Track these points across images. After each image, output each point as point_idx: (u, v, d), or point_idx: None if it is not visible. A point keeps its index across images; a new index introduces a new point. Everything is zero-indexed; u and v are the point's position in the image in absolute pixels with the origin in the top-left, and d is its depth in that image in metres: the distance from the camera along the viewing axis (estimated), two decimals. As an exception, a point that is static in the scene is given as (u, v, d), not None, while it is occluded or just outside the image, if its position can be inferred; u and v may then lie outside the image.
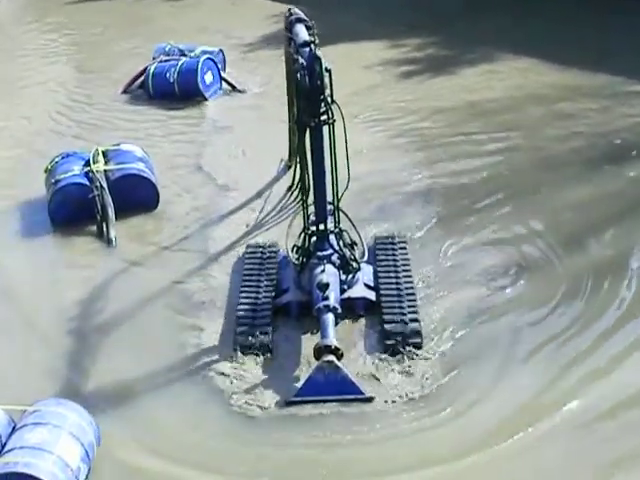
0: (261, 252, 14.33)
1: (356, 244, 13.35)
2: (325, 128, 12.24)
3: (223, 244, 15.42)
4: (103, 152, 17.13)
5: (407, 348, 11.96)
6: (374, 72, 23.77)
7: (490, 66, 23.33)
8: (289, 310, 13.03)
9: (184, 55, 23.20)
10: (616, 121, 18.98)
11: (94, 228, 16.09)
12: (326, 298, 12.00)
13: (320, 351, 11.33)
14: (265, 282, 13.46)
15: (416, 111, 20.62)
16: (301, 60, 11.90)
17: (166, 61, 22.97)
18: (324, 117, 12.09)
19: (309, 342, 12.21)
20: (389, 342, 12.03)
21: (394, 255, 13.91)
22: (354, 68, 23.22)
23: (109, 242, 15.72)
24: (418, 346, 12.00)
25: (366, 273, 13.30)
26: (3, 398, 10.89)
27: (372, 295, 12.97)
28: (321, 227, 12.85)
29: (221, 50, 24.09)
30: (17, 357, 12.96)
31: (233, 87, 23.16)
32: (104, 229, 15.91)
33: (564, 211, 15.65)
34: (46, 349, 13.09)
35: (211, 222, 16.34)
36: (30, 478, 9.65)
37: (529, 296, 13.30)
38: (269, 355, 12.17)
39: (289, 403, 11.23)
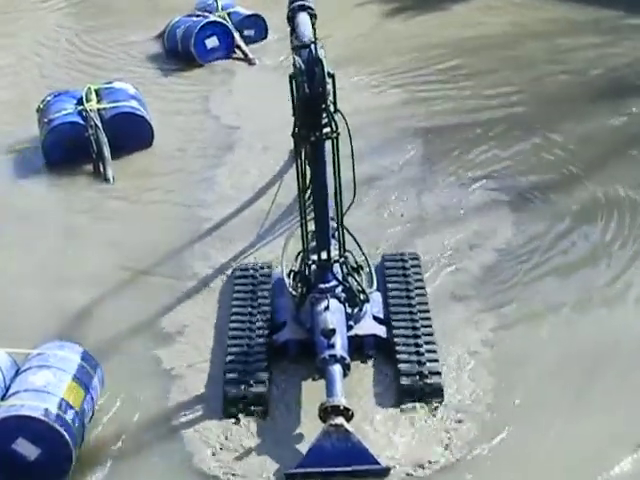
0: (252, 276, 12.42)
1: (362, 267, 11.37)
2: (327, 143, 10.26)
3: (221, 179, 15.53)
4: (96, 90, 16.98)
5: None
6: (361, 10, 23.38)
7: (484, 1, 23.01)
8: (286, 350, 11.18)
9: (210, 13, 21.55)
10: (615, 56, 18.78)
11: (90, 167, 16.04)
12: (332, 346, 10.06)
13: (326, 412, 9.46)
14: (258, 315, 11.63)
15: (407, 49, 20.37)
16: (299, 63, 9.76)
17: (189, 16, 21.57)
18: (326, 130, 10.02)
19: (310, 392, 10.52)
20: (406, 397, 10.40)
21: (406, 278, 12.05)
22: (346, 6, 23.00)
23: (106, 180, 15.71)
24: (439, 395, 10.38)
25: (375, 303, 11.45)
26: (6, 341, 10.85)
27: (383, 331, 11.12)
28: (323, 255, 10.88)
29: (257, 15, 21.69)
30: (20, 299, 12.93)
31: (245, 55, 20.90)
32: (101, 168, 15.85)
33: (560, 146, 15.61)
34: (48, 291, 13.05)
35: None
36: (35, 421, 9.61)
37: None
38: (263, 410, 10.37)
39: (290, 476, 9.44)
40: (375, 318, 11.22)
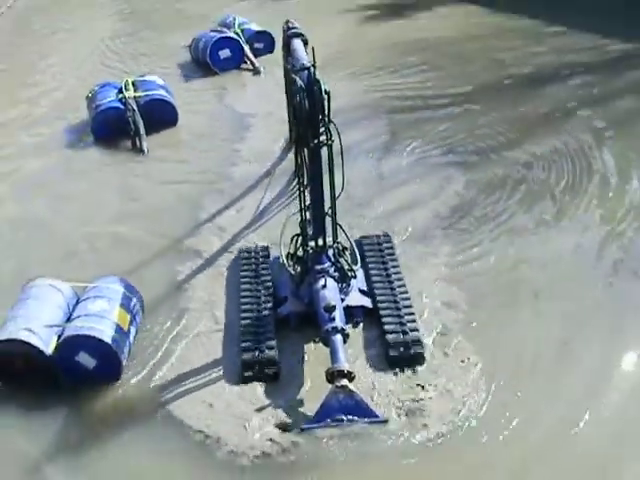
0: (254, 257, 11.74)
1: (346, 249, 10.94)
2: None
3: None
4: (132, 82, 17.09)
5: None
6: (340, 18, 23.34)
7: (438, 12, 23.00)
8: (289, 321, 10.62)
9: (228, 28, 20.85)
10: (538, 54, 18.83)
11: (128, 142, 16.09)
12: (333, 319, 9.68)
13: (333, 376, 9.11)
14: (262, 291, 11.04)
15: (371, 47, 20.45)
16: (299, 82, 9.51)
17: (211, 31, 20.80)
18: (322, 138, 9.74)
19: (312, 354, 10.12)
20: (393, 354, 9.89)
21: (382, 256, 11.53)
22: (323, 15, 22.99)
23: (142, 151, 15.81)
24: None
25: (359, 278, 11.01)
26: (69, 278, 10.95)
27: (369, 302, 10.67)
28: (319, 242, 10.46)
29: (266, 32, 20.60)
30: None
31: (253, 66, 19.93)
32: (137, 142, 15.96)
33: (495, 120, 15.70)
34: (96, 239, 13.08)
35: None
36: (93, 339, 9.78)
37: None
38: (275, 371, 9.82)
39: (304, 430, 9.00)
40: (360, 291, 10.82)
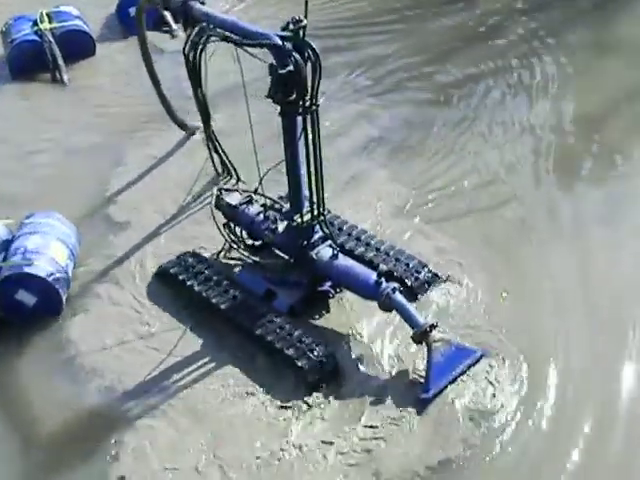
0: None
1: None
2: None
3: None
4: (47, 14, 16.26)
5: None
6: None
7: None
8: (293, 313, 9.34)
9: None
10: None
11: (48, 75, 15.51)
12: (380, 283, 8.61)
13: (425, 334, 8.30)
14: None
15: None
16: (287, 46, 7.93)
17: None
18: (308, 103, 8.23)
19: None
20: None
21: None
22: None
23: (63, 82, 15.34)
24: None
25: None
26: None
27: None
28: (307, 217, 8.99)
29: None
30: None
31: (169, 27, 15.53)
32: (57, 74, 15.45)
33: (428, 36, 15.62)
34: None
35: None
36: (31, 276, 9.63)
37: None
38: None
39: (424, 401, 8.14)
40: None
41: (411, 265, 9.63)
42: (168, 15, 16.46)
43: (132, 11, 16.46)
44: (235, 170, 11.51)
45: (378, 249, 9.91)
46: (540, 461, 7.70)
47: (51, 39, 15.52)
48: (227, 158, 11.50)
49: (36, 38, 15.59)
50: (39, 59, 15.39)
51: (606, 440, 7.81)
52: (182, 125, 12.88)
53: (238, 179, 11.45)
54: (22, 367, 9.22)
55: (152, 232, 11.06)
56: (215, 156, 11.50)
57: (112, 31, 17.13)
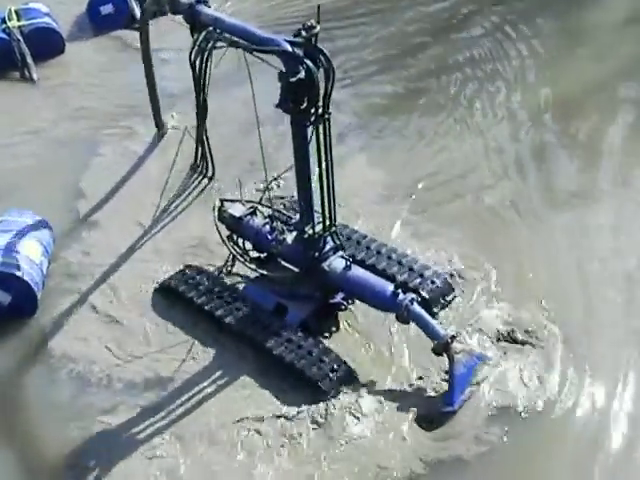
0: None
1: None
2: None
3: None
4: (15, 11, 15.90)
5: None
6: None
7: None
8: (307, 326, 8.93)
9: None
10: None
11: (17, 73, 15.15)
12: (397, 294, 8.29)
13: (446, 346, 8.00)
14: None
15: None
16: (298, 53, 7.55)
17: None
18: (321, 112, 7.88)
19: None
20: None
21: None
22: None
23: (32, 80, 15.00)
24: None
25: None
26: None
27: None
28: (319, 228, 8.63)
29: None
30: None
31: (133, 22, 16.23)
32: (26, 72, 15.10)
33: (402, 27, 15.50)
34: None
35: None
36: (5, 275, 9.40)
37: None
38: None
39: (448, 413, 7.98)
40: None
41: (426, 275, 9.24)
42: (136, 9, 16.55)
43: (103, 10, 16.61)
44: (214, 168, 11.44)
45: (390, 258, 9.50)
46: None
47: (19, 37, 15.21)
48: (211, 159, 11.42)
49: (4, 36, 15.27)
50: (7, 57, 15.06)
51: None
52: (161, 125, 12.73)
53: (211, 177, 11.43)
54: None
55: (126, 227, 10.93)
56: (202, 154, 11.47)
57: (82, 29, 16.79)
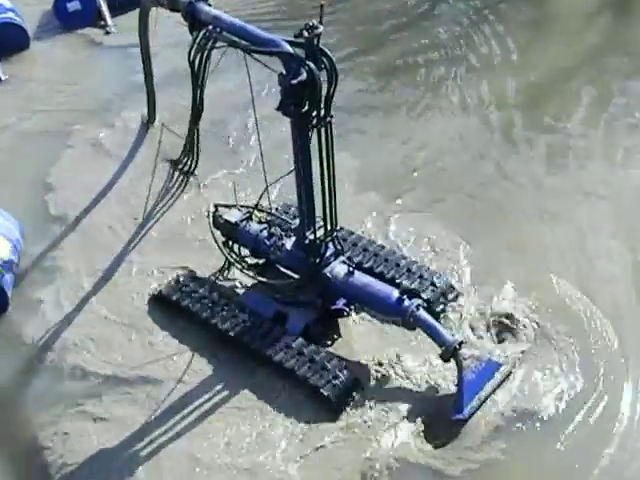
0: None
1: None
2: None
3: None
4: (-23, 7, 15.70)
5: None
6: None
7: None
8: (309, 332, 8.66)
9: None
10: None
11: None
12: (402, 300, 8.02)
13: (455, 352, 7.71)
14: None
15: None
16: (299, 54, 7.35)
17: None
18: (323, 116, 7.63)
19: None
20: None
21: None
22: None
23: (-1, 79, 14.91)
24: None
25: None
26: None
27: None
28: (320, 233, 8.34)
29: None
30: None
31: (105, 23, 16.16)
32: (-10, 69, 14.93)
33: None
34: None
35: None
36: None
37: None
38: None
39: (459, 422, 7.74)
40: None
41: (426, 277, 9.04)
42: (106, 12, 16.40)
43: (70, 6, 16.33)
44: (197, 163, 11.28)
45: (388, 261, 9.30)
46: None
47: (-18, 33, 14.98)
48: (198, 156, 11.25)
49: (-34, 33, 15.04)
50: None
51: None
52: (149, 121, 12.57)
53: (192, 172, 11.33)
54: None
55: (98, 223, 10.81)
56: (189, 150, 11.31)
57: (48, 25, 16.57)
